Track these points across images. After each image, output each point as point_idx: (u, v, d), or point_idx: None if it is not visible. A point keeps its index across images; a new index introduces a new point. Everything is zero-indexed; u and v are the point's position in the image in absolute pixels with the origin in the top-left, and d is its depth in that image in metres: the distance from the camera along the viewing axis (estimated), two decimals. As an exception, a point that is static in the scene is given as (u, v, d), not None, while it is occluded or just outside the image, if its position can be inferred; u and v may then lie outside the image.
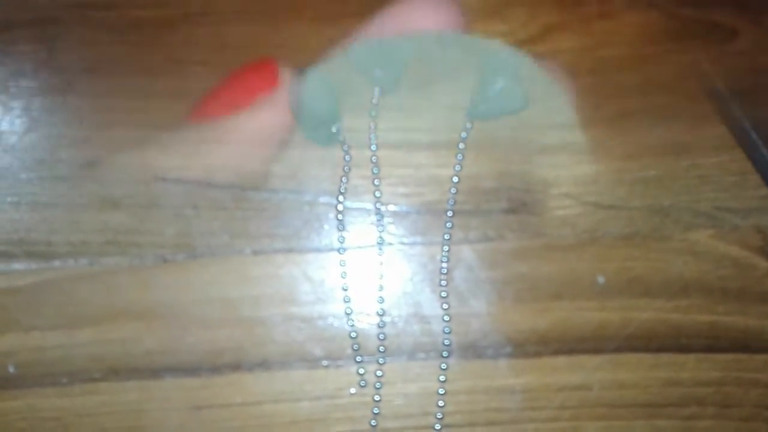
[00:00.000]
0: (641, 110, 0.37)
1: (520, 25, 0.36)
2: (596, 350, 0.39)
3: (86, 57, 0.35)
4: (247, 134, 0.31)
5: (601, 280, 0.40)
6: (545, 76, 0.35)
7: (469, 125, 0.37)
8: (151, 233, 0.38)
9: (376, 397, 0.37)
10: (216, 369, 0.36)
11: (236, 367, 0.37)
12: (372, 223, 0.40)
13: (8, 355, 0.35)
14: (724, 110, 0.35)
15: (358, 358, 0.38)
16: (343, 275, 0.40)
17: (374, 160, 0.37)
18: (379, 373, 0.38)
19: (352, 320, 0.40)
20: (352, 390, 0.37)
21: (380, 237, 0.40)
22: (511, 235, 0.41)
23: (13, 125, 0.35)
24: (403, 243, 0.40)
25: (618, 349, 0.38)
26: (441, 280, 0.40)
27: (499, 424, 0.37)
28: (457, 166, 0.38)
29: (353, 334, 0.38)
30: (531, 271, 0.41)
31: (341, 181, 0.37)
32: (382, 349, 0.40)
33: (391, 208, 0.39)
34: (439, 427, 0.39)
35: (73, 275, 0.37)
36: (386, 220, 0.39)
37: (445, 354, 0.39)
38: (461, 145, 0.37)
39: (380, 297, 0.40)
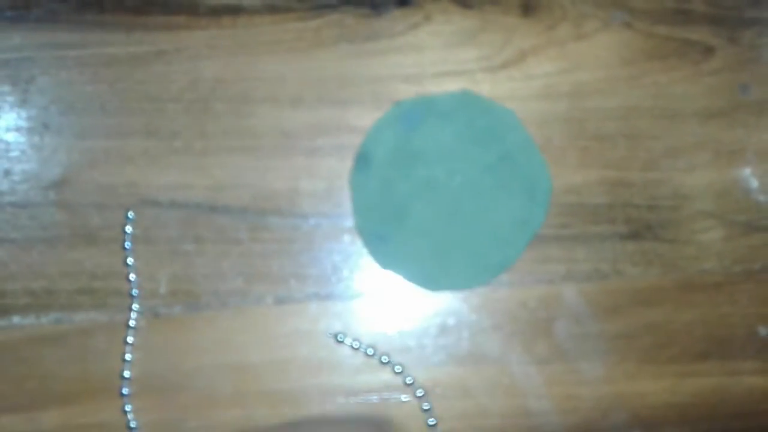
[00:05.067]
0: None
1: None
2: (761, 431, 0.34)
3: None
4: None
5: (763, 331, 0.34)
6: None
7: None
8: (139, 277, 0.34)
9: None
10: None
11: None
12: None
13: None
14: None
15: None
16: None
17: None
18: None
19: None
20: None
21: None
22: (633, 270, 0.35)
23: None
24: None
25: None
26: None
27: None
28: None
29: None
30: (664, 321, 0.35)
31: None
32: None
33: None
34: None
35: (34, 336, 0.34)
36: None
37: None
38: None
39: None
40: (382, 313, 0.35)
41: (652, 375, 0.35)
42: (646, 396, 0.35)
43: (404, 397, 0.34)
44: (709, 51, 0.37)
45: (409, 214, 0.34)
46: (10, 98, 0.35)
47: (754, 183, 0.36)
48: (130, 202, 0.35)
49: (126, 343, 0.34)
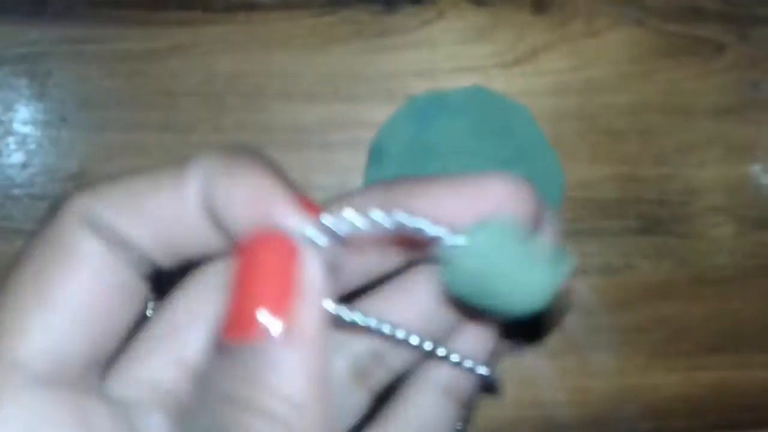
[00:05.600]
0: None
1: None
2: (772, 425, 0.34)
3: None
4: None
5: (775, 325, 0.35)
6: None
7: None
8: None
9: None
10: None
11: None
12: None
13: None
14: None
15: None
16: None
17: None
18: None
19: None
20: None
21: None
22: (644, 264, 0.35)
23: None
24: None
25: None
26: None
27: None
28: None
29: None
30: (676, 315, 0.35)
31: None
32: None
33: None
34: None
35: None
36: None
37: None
38: None
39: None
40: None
41: (663, 368, 0.35)
42: (657, 389, 0.35)
43: None
44: (720, 48, 0.37)
45: None
46: (27, 92, 0.36)
47: (765, 179, 0.36)
48: (146, 195, 0.35)
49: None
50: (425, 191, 0.20)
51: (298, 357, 0.18)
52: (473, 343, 0.23)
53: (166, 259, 0.20)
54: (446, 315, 0.22)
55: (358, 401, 0.22)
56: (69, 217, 0.19)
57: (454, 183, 0.20)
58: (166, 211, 0.19)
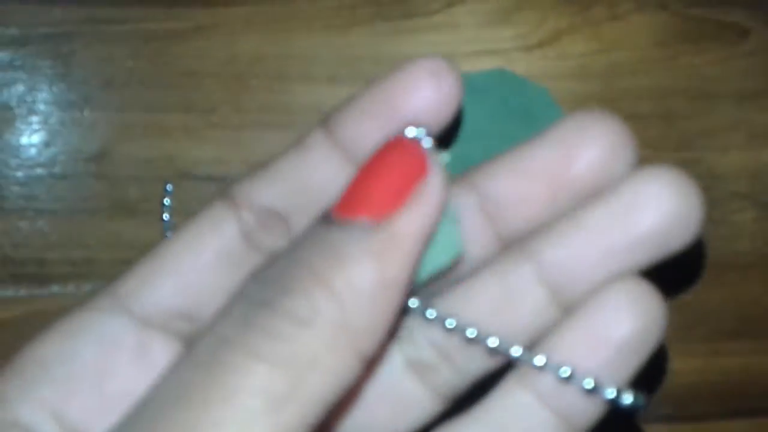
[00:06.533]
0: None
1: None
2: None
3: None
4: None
5: (794, 311, 0.35)
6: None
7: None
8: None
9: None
10: None
11: None
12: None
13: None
14: None
15: None
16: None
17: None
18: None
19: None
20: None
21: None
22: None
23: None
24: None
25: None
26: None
27: None
28: None
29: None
30: (694, 300, 0.35)
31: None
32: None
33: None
34: None
35: (74, 305, 0.34)
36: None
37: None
38: None
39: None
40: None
41: (682, 353, 0.35)
42: (676, 374, 0.35)
43: None
44: (744, 33, 0.37)
45: None
46: (51, 72, 0.36)
47: (788, 165, 0.36)
48: (168, 176, 0.35)
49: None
50: (522, 154, 0.21)
51: (379, 251, 0.18)
52: (587, 352, 0.20)
53: (299, 210, 0.22)
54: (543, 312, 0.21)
55: (418, 398, 0.21)
56: (217, 196, 0.23)
57: (541, 141, 0.21)
58: (295, 170, 0.22)
